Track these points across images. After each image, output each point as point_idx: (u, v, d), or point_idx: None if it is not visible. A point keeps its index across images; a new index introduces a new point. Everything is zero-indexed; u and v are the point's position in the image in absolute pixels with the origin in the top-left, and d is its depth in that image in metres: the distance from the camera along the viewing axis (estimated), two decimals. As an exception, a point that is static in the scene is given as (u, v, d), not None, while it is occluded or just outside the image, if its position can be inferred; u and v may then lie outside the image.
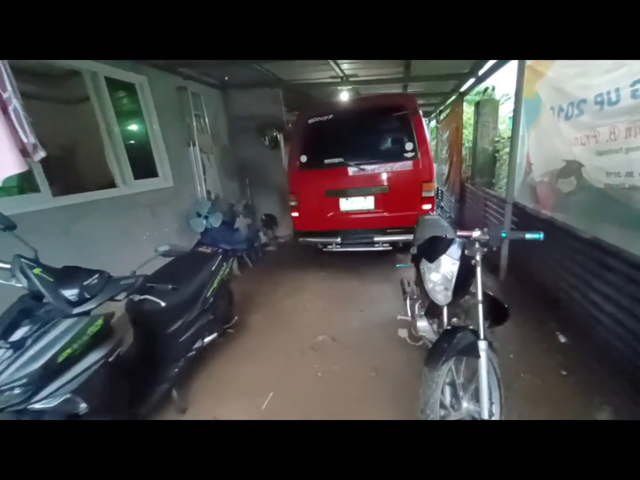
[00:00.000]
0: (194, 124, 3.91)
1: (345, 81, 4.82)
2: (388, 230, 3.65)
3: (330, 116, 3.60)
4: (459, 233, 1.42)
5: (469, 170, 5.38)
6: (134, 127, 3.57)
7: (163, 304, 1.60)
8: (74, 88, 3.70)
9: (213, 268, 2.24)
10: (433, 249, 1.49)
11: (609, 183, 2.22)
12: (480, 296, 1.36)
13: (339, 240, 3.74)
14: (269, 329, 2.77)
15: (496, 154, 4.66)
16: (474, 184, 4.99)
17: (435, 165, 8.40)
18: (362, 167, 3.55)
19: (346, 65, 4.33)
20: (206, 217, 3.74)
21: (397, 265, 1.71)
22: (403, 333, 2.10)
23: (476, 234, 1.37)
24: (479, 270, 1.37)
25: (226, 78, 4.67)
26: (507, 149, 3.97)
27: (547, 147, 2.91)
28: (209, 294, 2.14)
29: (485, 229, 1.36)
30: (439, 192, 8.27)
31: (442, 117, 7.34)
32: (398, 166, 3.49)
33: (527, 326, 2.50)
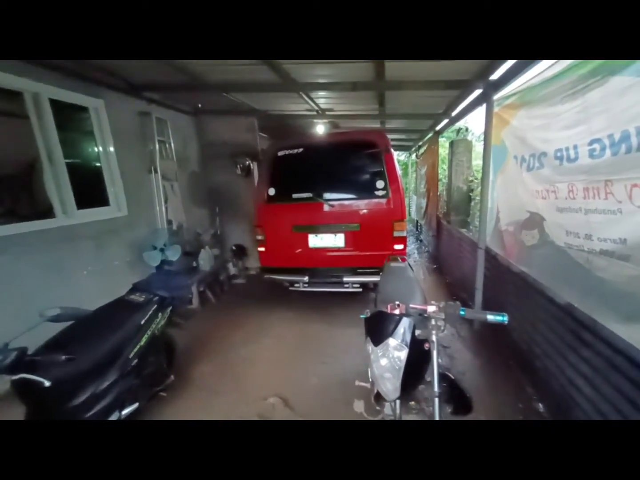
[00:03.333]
0: (157, 150, 3.68)
1: (321, 114, 4.78)
2: (358, 270, 3.44)
3: (300, 150, 3.46)
4: (412, 306, 1.18)
5: (445, 207, 5.34)
6: (84, 151, 3.30)
7: (47, 383, 1.26)
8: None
9: (142, 321, 1.91)
10: (379, 327, 1.24)
11: (569, 242, 2.10)
12: (437, 388, 1.11)
13: (306, 279, 3.50)
14: (213, 388, 2.39)
15: (470, 193, 4.62)
16: (449, 222, 4.91)
17: (415, 198, 8.54)
18: (331, 203, 3.38)
19: (322, 100, 4.29)
20: (162, 250, 3.43)
21: (361, 316, 1.47)
22: (359, 406, 1.79)
23: (431, 309, 1.14)
24: (435, 354, 1.13)
25: (199, 105, 4.54)
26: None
27: (512, 196, 2.83)
28: (132, 354, 1.80)
29: (442, 304, 1.14)
30: (418, 225, 8.26)
31: (421, 152, 7.45)
32: (369, 204, 3.34)
33: (503, 389, 2.25)
